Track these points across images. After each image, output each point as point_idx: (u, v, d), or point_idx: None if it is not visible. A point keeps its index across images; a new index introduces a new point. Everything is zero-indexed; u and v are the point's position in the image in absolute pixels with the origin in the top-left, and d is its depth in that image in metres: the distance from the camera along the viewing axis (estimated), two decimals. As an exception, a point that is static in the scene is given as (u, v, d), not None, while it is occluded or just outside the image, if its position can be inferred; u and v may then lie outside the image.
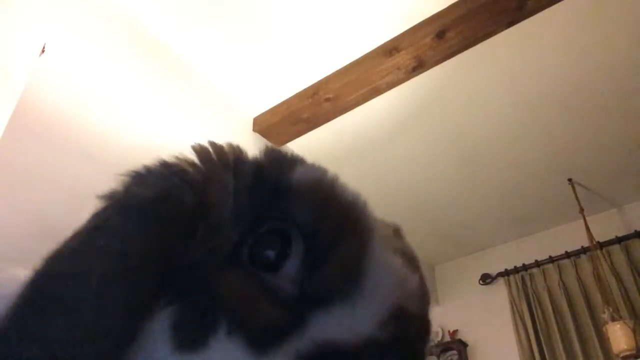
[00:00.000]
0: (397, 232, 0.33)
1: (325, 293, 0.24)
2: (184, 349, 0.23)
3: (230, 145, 0.29)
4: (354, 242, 0.25)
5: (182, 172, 0.26)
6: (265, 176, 0.27)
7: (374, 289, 0.24)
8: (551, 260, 2.85)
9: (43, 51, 1.39)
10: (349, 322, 0.23)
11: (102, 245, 0.24)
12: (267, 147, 0.29)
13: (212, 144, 0.29)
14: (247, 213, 0.26)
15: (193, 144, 0.29)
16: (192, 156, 0.28)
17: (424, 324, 0.28)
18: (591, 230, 2.51)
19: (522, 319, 2.80)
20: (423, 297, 0.28)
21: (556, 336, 2.66)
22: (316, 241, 0.25)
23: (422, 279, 0.29)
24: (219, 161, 0.28)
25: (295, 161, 0.28)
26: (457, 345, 2.90)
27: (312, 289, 0.24)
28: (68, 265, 0.23)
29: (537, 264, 2.89)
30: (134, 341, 0.22)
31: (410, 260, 0.29)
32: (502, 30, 1.78)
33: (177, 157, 0.28)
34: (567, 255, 2.81)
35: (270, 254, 0.25)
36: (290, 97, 2.11)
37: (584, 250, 2.74)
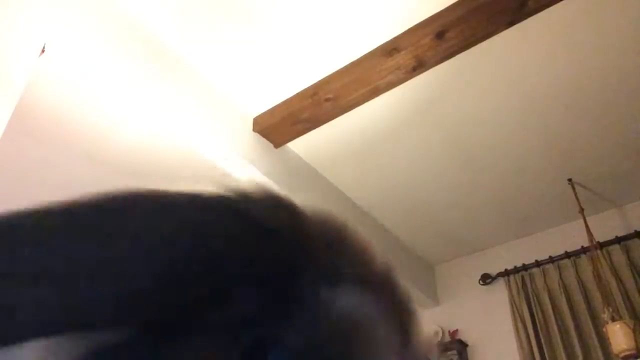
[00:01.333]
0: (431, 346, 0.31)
1: None
2: None
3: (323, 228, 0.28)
4: None
5: (294, 234, 0.26)
6: (278, 282, 0.25)
7: None
8: (551, 260, 2.85)
9: (43, 51, 1.40)
10: None
11: (180, 216, 0.24)
12: (285, 240, 0.27)
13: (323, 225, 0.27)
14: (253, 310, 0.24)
15: (311, 211, 0.27)
16: (301, 222, 0.27)
17: None
18: (591, 230, 2.51)
19: (522, 319, 2.80)
20: None
21: (556, 336, 2.66)
22: None
23: None
24: (305, 253, 0.26)
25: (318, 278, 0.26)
26: (457, 345, 2.90)
27: None
28: (147, 204, 0.24)
29: (537, 264, 2.89)
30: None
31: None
32: (502, 30, 1.78)
33: (304, 215, 0.27)
34: (567, 255, 2.81)
35: None
36: (290, 97, 2.12)
37: (584, 250, 2.73)
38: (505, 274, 2.99)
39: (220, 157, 2.00)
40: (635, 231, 2.67)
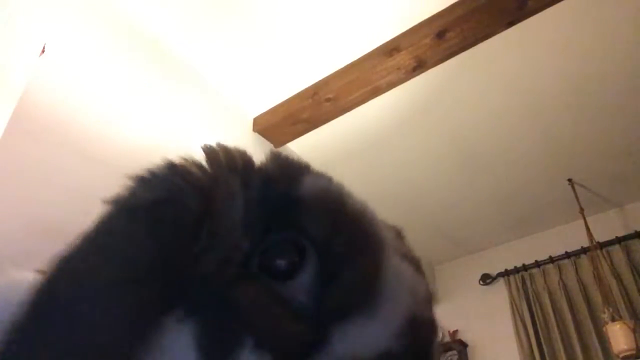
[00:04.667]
0: (398, 234, 0.33)
1: (345, 307, 0.24)
2: None
3: (238, 150, 0.29)
4: (370, 254, 0.25)
5: (187, 174, 0.26)
6: (275, 186, 0.27)
7: (391, 301, 0.24)
8: (551, 260, 2.85)
9: (43, 51, 1.39)
10: (369, 336, 0.23)
11: (108, 249, 0.23)
12: (273, 153, 0.29)
13: (221, 146, 0.28)
14: (257, 223, 0.25)
15: (203, 144, 0.28)
16: (201, 157, 0.27)
17: (433, 326, 0.28)
18: (591, 230, 2.51)
19: (522, 319, 2.80)
20: (430, 300, 0.28)
21: (556, 336, 2.66)
22: (331, 254, 0.25)
23: (426, 281, 0.29)
24: (227, 165, 0.27)
25: (303, 170, 0.28)
26: (457, 345, 2.90)
27: (331, 303, 0.24)
28: (74, 271, 0.23)
29: (537, 264, 2.89)
30: (142, 353, 0.22)
31: (415, 263, 0.29)
32: (502, 30, 1.78)
33: (183, 159, 0.27)
34: (567, 255, 2.81)
35: (281, 263, 0.25)
36: (290, 97, 2.11)
37: (584, 250, 2.73)
38: (505, 274, 2.99)
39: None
40: (635, 231, 2.67)
